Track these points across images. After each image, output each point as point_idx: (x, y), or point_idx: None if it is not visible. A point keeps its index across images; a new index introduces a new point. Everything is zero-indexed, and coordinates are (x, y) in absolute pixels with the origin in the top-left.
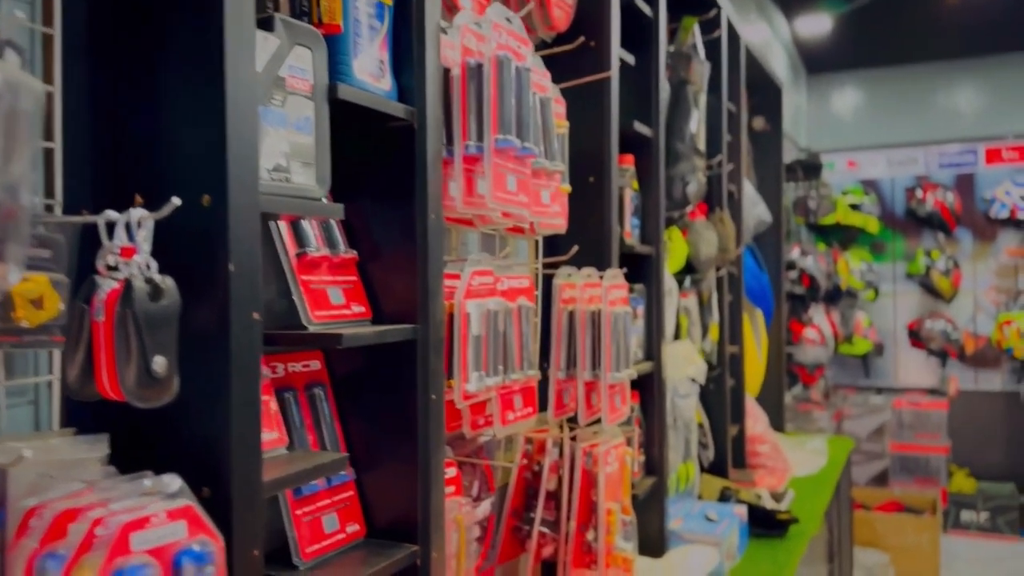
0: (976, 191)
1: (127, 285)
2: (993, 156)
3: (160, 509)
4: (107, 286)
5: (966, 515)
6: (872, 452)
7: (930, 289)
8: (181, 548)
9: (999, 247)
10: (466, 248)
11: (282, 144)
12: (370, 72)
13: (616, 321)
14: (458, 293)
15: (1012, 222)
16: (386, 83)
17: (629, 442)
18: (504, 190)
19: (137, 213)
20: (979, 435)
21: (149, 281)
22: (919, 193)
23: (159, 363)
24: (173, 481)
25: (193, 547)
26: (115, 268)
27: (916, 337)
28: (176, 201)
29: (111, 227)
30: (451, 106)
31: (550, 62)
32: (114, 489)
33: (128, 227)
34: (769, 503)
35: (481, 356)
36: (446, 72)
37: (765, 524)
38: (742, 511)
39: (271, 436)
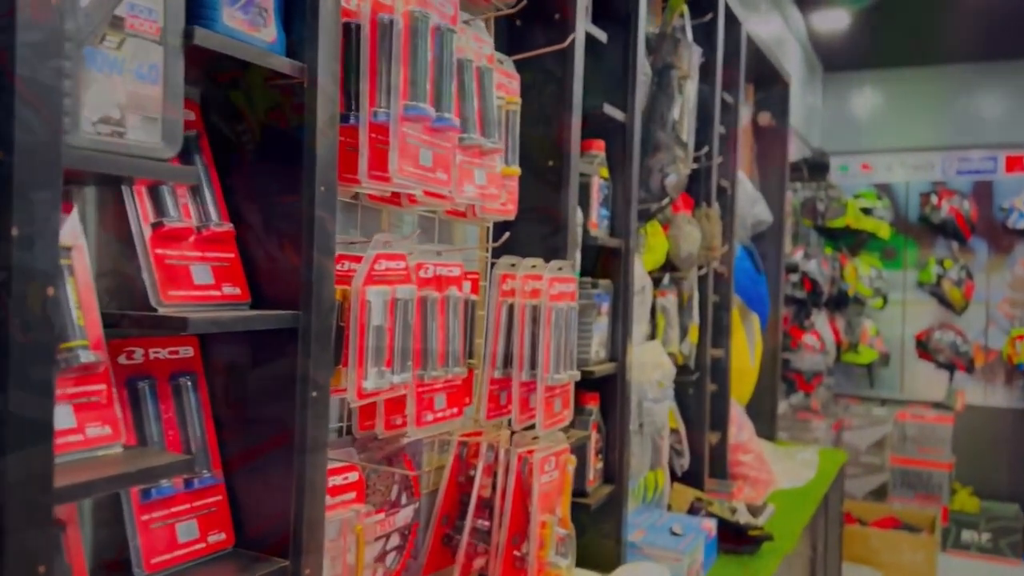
0: (994, 200)
1: None
2: (1014, 164)
3: None
4: None
5: (967, 535)
6: (871, 465)
7: (941, 299)
8: None
9: (1015, 259)
10: (401, 233)
11: (115, 94)
12: (246, 20)
13: (558, 317)
14: (356, 278)
15: None
16: (269, 34)
17: (578, 449)
18: (416, 164)
19: None
20: (985, 452)
21: None
22: (934, 199)
23: None
24: None
25: None
26: None
27: (924, 348)
28: None
29: None
30: (359, 67)
31: (512, 37)
32: None
33: None
34: (744, 517)
35: (384, 350)
36: (356, 28)
37: (736, 540)
38: (710, 525)
39: (100, 431)
